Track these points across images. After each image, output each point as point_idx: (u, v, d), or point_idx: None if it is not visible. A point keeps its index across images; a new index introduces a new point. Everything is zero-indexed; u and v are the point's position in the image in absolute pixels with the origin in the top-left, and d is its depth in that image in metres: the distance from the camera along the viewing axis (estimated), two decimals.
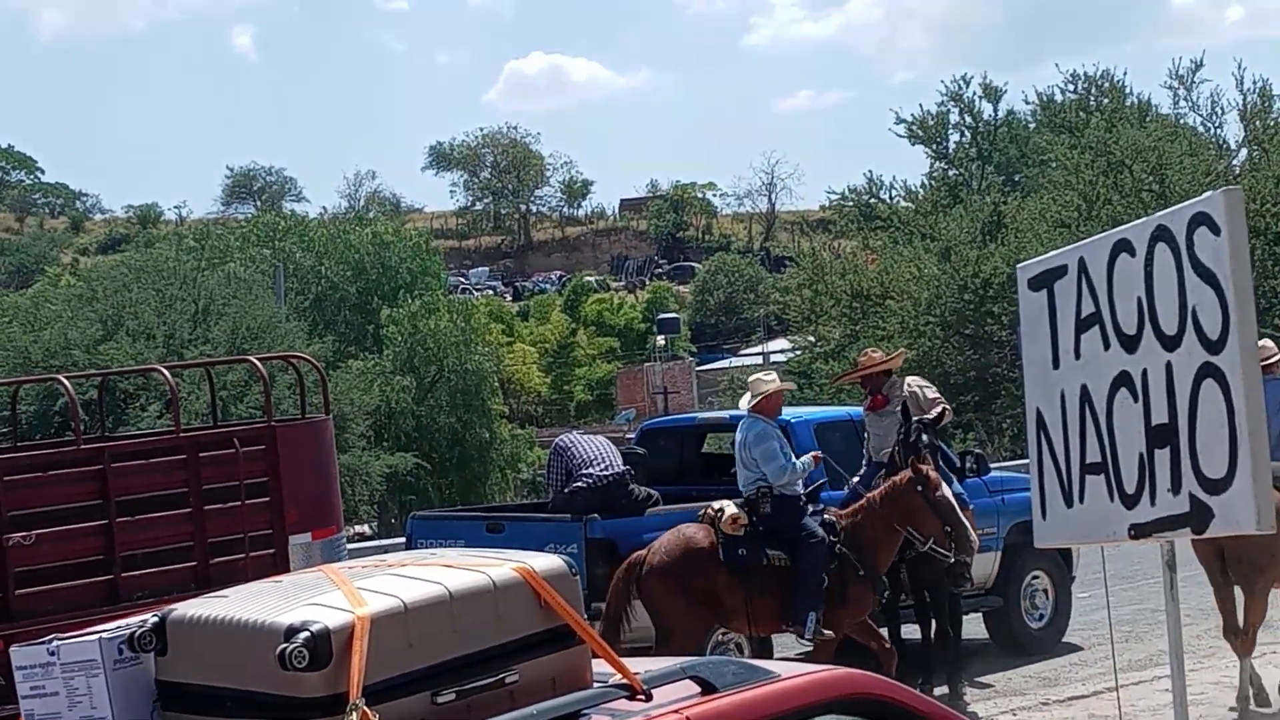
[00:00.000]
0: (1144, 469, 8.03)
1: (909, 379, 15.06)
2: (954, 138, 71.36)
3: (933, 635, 14.68)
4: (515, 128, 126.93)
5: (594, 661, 5.44)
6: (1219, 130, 59.88)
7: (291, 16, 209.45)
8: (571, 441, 14.80)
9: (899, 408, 14.30)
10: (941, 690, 14.02)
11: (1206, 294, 7.55)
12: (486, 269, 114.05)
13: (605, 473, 14.31)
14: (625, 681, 5.27)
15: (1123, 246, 8.18)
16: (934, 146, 70.53)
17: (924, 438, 13.95)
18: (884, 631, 13.80)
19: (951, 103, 71.14)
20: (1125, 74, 75.70)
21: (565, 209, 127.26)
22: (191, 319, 43.09)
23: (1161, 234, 7.86)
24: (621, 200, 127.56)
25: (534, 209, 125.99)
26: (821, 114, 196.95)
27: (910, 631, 14.86)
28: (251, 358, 16.38)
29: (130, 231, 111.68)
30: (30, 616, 11.28)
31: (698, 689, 5.31)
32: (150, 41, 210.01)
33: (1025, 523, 11.62)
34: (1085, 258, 8.50)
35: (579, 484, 14.27)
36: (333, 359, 49.70)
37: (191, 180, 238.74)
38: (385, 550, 23.58)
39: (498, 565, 5.34)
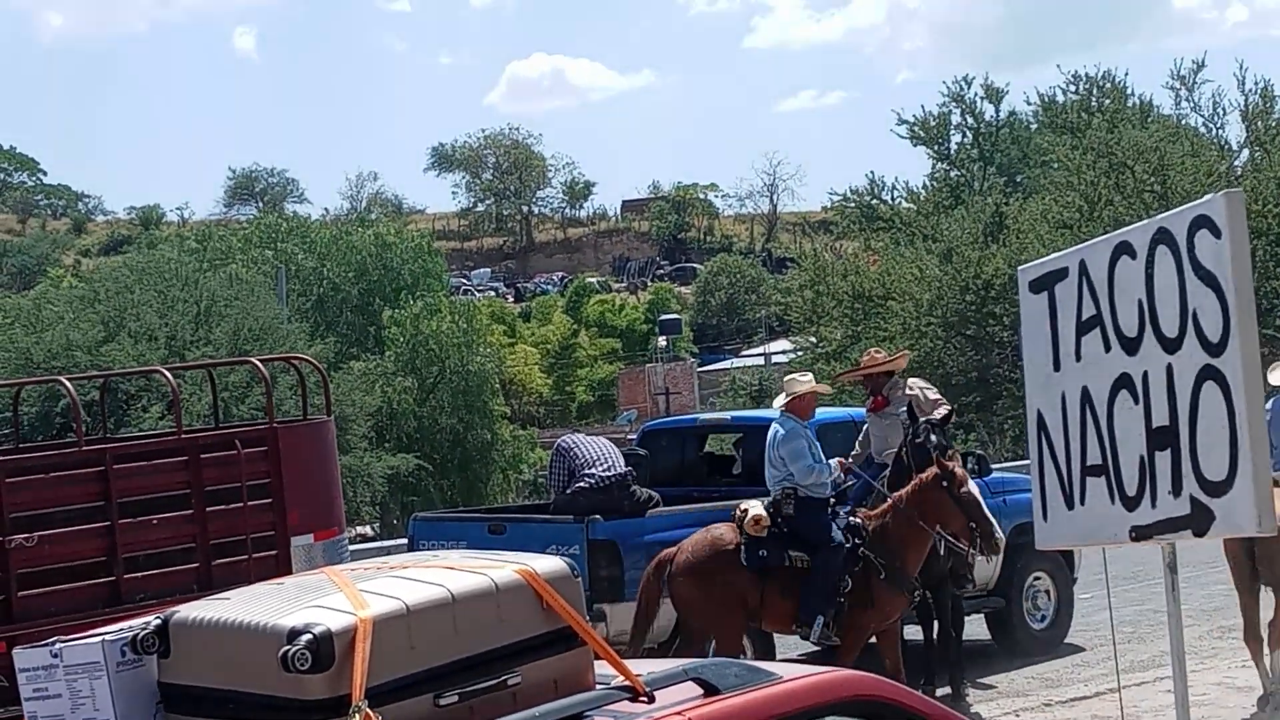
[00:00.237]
0: (1145, 471, 8.03)
1: (910, 380, 15.07)
2: (955, 139, 71.41)
3: (935, 636, 14.69)
4: (517, 129, 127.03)
5: (596, 663, 5.45)
6: (1221, 131, 59.95)
7: (293, 18, 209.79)
8: (573, 443, 14.79)
9: (901, 409, 14.29)
10: (944, 691, 14.02)
11: (1207, 297, 7.55)
12: (488, 270, 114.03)
13: (607, 474, 14.31)
14: (627, 683, 5.28)
15: (1124, 249, 8.18)
16: (935, 147, 70.55)
17: (933, 438, 13.95)
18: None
19: (953, 104, 71.20)
20: (1127, 75, 76.06)
21: (567, 210, 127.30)
22: (193, 320, 43.11)
23: (1162, 236, 7.86)
24: (623, 201, 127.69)
25: (536, 210, 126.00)
26: (823, 114, 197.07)
27: (913, 632, 14.86)
28: (253, 359, 16.39)
29: (132, 233, 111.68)
30: (33, 618, 11.28)
31: (700, 691, 5.32)
32: (152, 43, 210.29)
33: (1027, 524, 11.60)
34: (1086, 260, 8.51)
35: (581, 485, 14.27)
36: (334, 360, 49.71)
37: (193, 182, 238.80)
38: (387, 551, 23.57)
39: (499, 567, 5.35)
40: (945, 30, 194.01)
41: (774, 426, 13.36)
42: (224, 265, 57.41)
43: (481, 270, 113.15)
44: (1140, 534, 8.14)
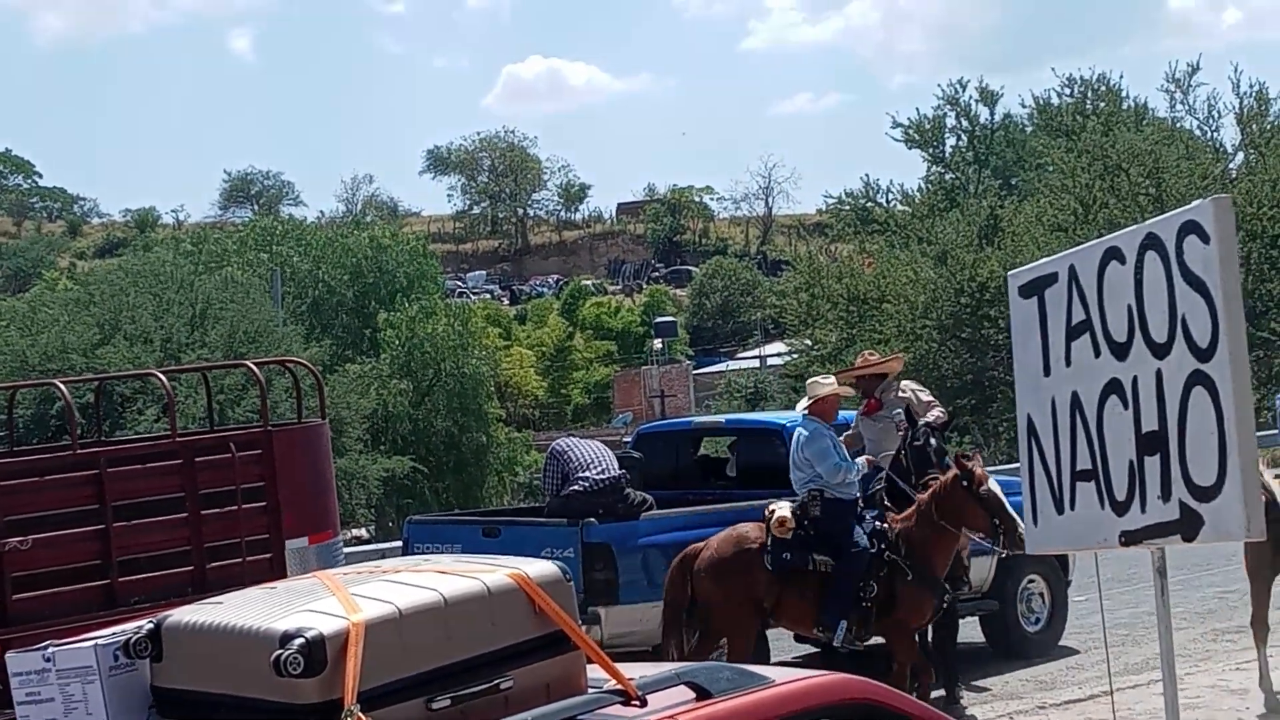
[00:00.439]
0: (1134, 476, 8.05)
1: (903, 383, 15.08)
2: (950, 142, 71.55)
3: (930, 639, 14.70)
4: (513, 131, 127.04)
5: (589, 667, 5.46)
6: (1215, 134, 60.13)
7: (289, 20, 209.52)
8: (568, 445, 14.81)
9: (895, 412, 14.30)
10: (938, 694, 14.03)
11: (1196, 302, 7.56)
12: (484, 273, 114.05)
13: (601, 477, 14.32)
14: (620, 687, 5.29)
15: (1113, 254, 8.20)
16: (930, 150, 70.68)
17: (932, 441, 13.97)
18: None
19: (948, 107, 71.29)
20: (1121, 78, 76.11)
21: (562, 213, 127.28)
22: (188, 323, 43.11)
23: (1151, 242, 7.87)
24: (619, 204, 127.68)
25: (531, 213, 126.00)
26: (819, 117, 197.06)
27: None
28: (248, 362, 16.39)
29: (128, 235, 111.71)
30: (26, 622, 11.27)
31: (692, 694, 5.33)
32: (148, 45, 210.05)
33: None
34: (1076, 265, 8.52)
35: (575, 488, 14.29)
36: (330, 363, 49.73)
37: (189, 184, 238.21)
38: (382, 553, 23.60)
39: (492, 571, 5.37)
40: (940, 33, 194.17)
41: (798, 429, 13.37)
42: (219, 268, 57.44)
43: (477, 273, 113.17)
44: (1130, 539, 8.16)
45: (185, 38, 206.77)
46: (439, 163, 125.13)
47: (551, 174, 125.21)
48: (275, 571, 12.37)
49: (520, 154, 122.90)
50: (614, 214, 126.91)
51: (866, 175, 77.66)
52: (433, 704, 5.02)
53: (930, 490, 13.17)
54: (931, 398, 14.89)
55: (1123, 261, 8.09)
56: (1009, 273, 9.55)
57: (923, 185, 67.72)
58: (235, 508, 12.67)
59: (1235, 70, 54.06)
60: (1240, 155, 54.22)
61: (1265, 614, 12.86)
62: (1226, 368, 7.44)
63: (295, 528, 13.04)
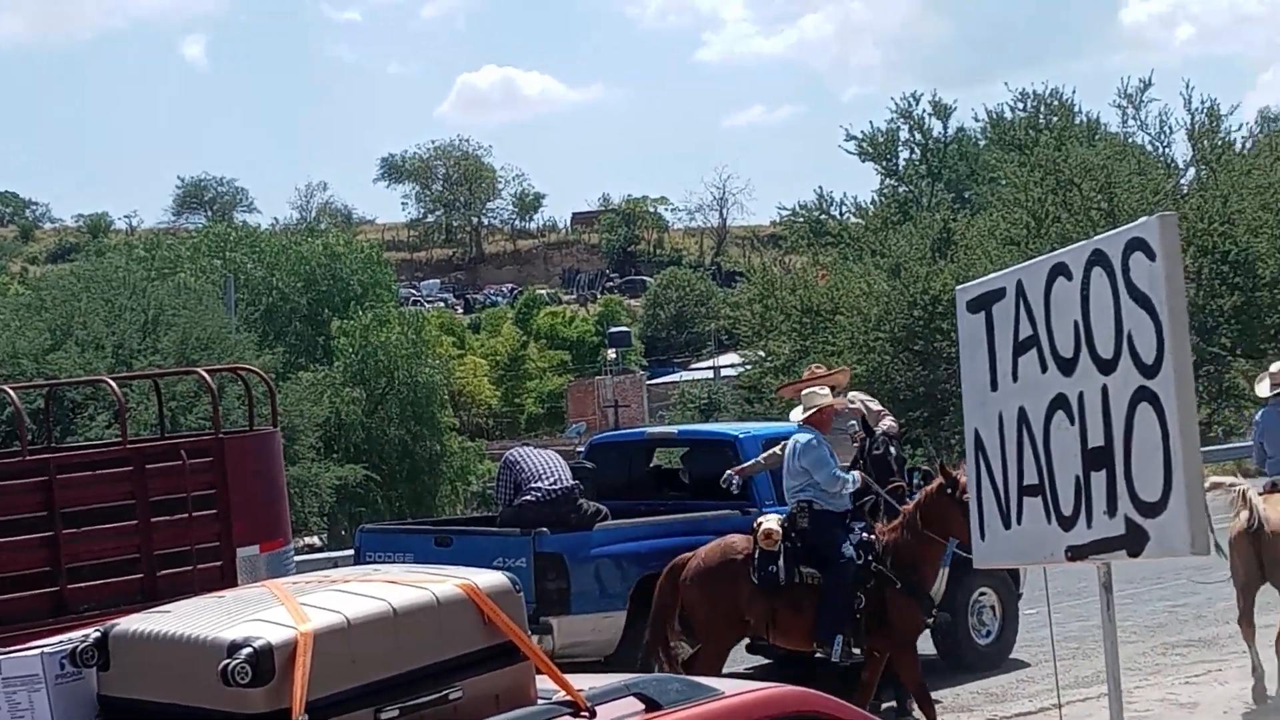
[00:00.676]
0: (1080, 491, 8.09)
1: (851, 394, 15.12)
2: (904, 155, 71.70)
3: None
4: (467, 140, 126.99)
5: (539, 678, 5.47)
6: (1167, 149, 60.44)
7: (243, 26, 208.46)
8: (520, 455, 14.80)
9: (848, 424, 14.34)
10: (889, 705, 14.08)
11: (1142, 318, 7.61)
12: (438, 281, 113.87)
13: (554, 487, 14.32)
14: (569, 698, 5.31)
15: (1060, 270, 8.25)
16: (884, 163, 70.84)
17: (892, 450, 14.00)
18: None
19: (901, 120, 71.48)
20: (1074, 93, 76.22)
21: (517, 222, 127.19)
22: (141, 329, 42.94)
23: (1098, 258, 7.93)
24: (573, 214, 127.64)
25: (485, 222, 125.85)
26: (773, 129, 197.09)
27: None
28: (200, 369, 16.33)
29: (80, 241, 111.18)
30: None
31: (642, 706, 5.36)
32: (101, 50, 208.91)
33: None
34: (1023, 281, 8.57)
35: (527, 498, 14.29)
36: (283, 370, 49.61)
37: (142, 190, 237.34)
38: (334, 562, 23.58)
39: (441, 581, 5.38)
40: (895, 46, 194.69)
41: (795, 438, 13.33)
42: (172, 274, 57.22)
43: (431, 281, 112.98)
44: (1076, 554, 8.20)
45: (138, 43, 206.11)
46: (393, 171, 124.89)
47: (506, 183, 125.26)
48: (226, 579, 12.35)
49: (475, 162, 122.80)
50: (568, 223, 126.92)
51: (820, 188, 77.88)
52: (381, 714, 5.02)
53: (915, 500, 13.16)
54: (881, 407, 14.94)
55: (1070, 278, 8.14)
56: (958, 288, 9.60)
57: (876, 198, 67.83)
58: (186, 515, 12.64)
59: (1187, 86, 54.39)
60: (1192, 171, 54.54)
61: (1251, 614, 13.00)
62: (1171, 384, 7.49)
63: (246, 536, 13.02)
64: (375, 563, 13.64)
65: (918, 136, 71.85)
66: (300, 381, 50.91)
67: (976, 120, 72.24)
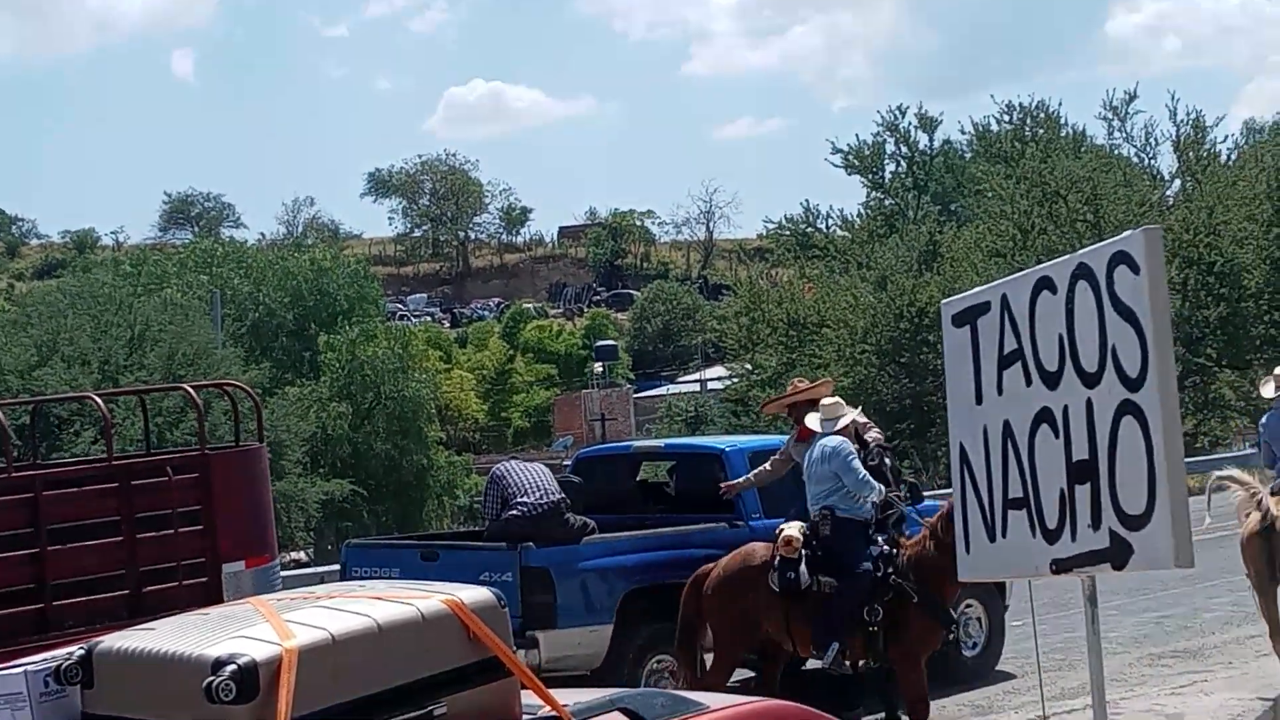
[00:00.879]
0: (1065, 504, 8.10)
1: None
2: (890, 167, 71.79)
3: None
4: (454, 154, 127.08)
5: (524, 693, 5.47)
6: (1153, 161, 60.65)
7: (232, 42, 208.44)
8: (507, 469, 14.77)
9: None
10: (877, 717, 14.06)
11: (1126, 332, 7.63)
12: (425, 296, 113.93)
13: (541, 501, 14.29)
14: (554, 714, 5.30)
15: (1044, 284, 8.27)
16: (870, 176, 70.92)
17: (887, 460, 13.97)
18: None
19: (887, 133, 71.59)
20: (1060, 105, 76.47)
21: (504, 236, 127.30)
22: (127, 345, 42.92)
23: (1082, 272, 7.94)
24: (560, 227, 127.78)
25: (473, 236, 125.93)
26: (761, 141, 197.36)
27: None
28: (186, 385, 16.30)
29: (66, 257, 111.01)
30: None
31: None
32: (89, 66, 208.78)
33: None
34: (1008, 295, 8.59)
35: (514, 512, 14.25)
36: (270, 385, 49.57)
37: (129, 206, 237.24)
38: (321, 577, 23.54)
39: (426, 597, 5.37)
40: (882, 59, 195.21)
41: (820, 443, 13.22)
42: (159, 290, 57.22)
43: (418, 296, 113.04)
44: (1060, 566, 8.22)
45: (127, 59, 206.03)
46: (380, 185, 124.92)
47: (493, 197, 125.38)
48: (211, 596, 12.31)
49: (462, 177, 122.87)
50: (555, 237, 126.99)
51: (807, 200, 77.83)
52: None
53: (939, 514, 13.06)
54: (866, 419, 14.92)
55: (1054, 291, 8.16)
56: (942, 301, 9.62)
57: (862, 211, 67.98)
58: (171, 531, 12.60)
59: (1172, 98, 54.75)
60: (1177, 182, 54.73)
61: (1278, 624, 13.00)
62: (1156, 397, 7.50)
63: (232, 551, 12.98)
64: (361, 578, 13.62)
65: (904, 149, 71.98)
66: (287, 397, 50.89)
67: (963, 133, 72.50)
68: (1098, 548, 7.88)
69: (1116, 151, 60.58)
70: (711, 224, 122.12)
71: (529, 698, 5.44)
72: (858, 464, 13.03)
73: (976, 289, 9.46)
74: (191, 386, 15.37)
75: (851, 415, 13.46)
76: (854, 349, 47.38)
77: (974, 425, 8.86)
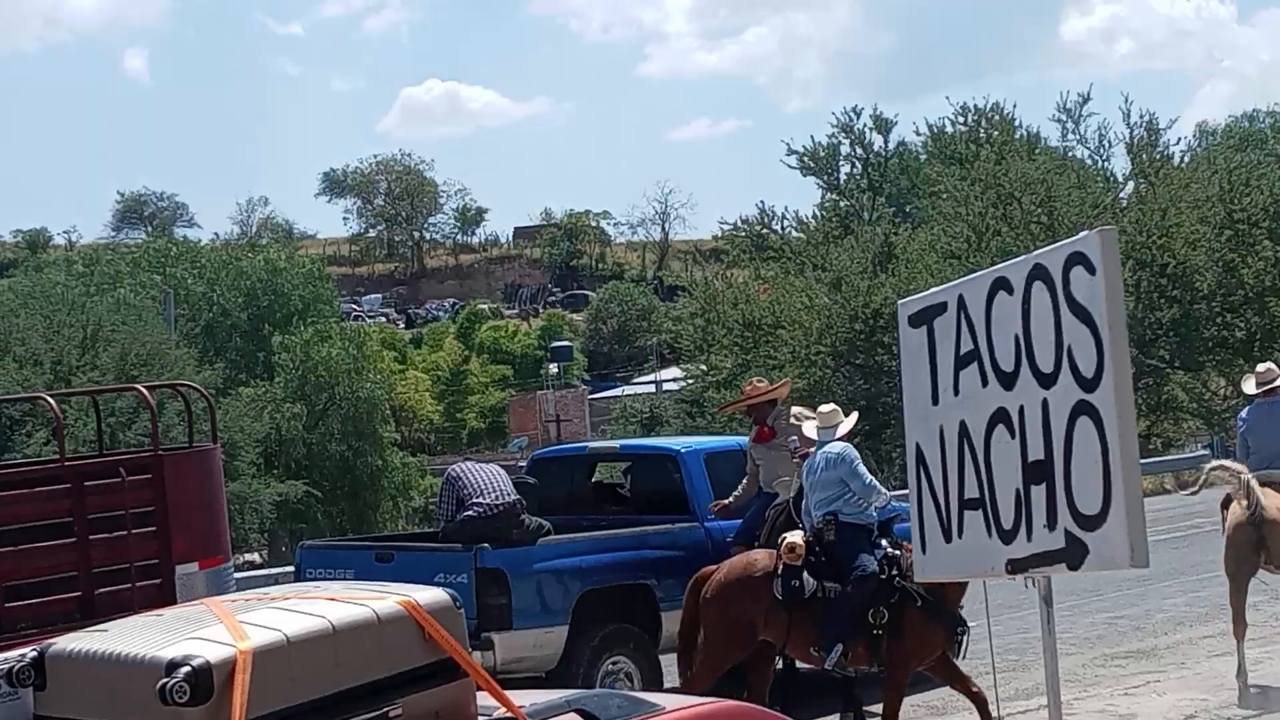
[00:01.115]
0: (1021, 505, 8.12)
1: (793, 409, 15.09)
2: (845, 169, 71.88)
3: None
4: (409, 154, 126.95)
5: (479, 694, 5.45)
6: (1106, 163, 60.88)
7: (185, 40, 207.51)
8: (463, 471, 14.74)
9: (790, 439, 14.30)
10: (832, 718, 14.07)
11: (1082, 332, 7.65)
12: (379, 296, 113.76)
13: (496, 502, 14.26)
14: (510, 715, 5.29)
15: (1001, 284, 8.28)
16: (825, 177, 70.98)
17: None
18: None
19: (842, 134, 71.67)
20: (1015, 107, 76.58)
21: (459, 236, 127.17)
22: (80, 345, 42.74)
23: (1039, 273, 7.96)
24: (516, 228, 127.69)
25: (427, 236, 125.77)
26: (716, 143, 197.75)
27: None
28: (139, 385, 16.23)
29: (18, 256, 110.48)
30: None
31: None
32: (40, 64, 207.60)
33: None
34: (965, 295, 8.60)
35: (470, 513, 14.22)
36: (223, 386, 49.41)
37: (81, 205, 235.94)
38: (275, 579, 23.44)
39: (381, 599, 5.35)
40: (837, 60, 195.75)
41: (824, 450, 13.18)
42: (112, 290, 56.98)
43: (372, 296, 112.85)
44: (1016, 567, 8.23)
45: (78, 57, 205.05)
46: (335, 185, 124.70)
47: (448, 197, 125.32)
48: (165, 597, 12.25)
49: (417, 177, 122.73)
50: (511, 238, 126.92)
51: (762, 202, 77.87)
52: None
53: None
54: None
55: (1011, 292, 8.17)
56: (899, 302, 9.62)
57: (817, 212, 67.94)
58: (124, 533, 12.54)
59: (1126, 100, 54.84)
60: (1130, 184, 54.93)
61: (1243, 610, 13.08)
62: (1111, 398, 7.52)
63: (186, 553, 12.93)
64: (316, 579, 13.58)
65: (859, 151, 72.09)
66: (241, 397, 50.74)
67: (918, 134, 72.54)
68: (1053, 548, 7.90)
69: (1071, 154, 60.85)
70: (667, 225, 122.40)
71: (485, 699, 5.43)
72: (864, 469, 13.02)
73: (933, 289, 9.46)
74: (145, 387, 15.30)
75: (849, 423, 13.42)
76: (809, 350, 47.45)
77: (930, 426, 8.87)
